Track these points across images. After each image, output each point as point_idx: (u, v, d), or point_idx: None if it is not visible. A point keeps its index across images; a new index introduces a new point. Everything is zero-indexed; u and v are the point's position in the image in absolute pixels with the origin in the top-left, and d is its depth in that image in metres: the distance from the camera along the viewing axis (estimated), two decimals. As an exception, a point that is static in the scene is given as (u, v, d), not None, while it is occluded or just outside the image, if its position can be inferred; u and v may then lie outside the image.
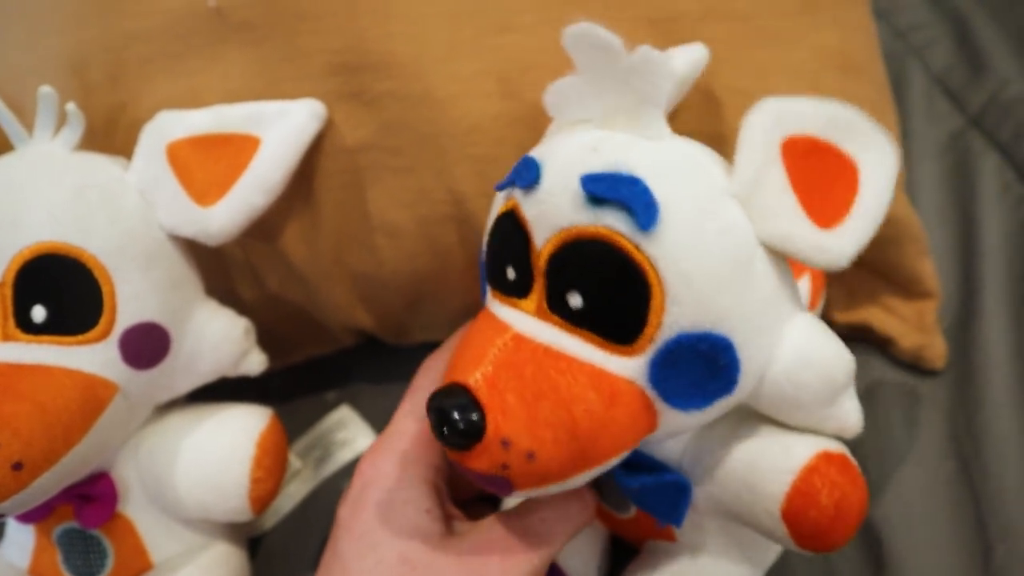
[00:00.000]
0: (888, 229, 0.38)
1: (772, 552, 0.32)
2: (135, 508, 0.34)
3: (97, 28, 0.37)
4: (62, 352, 0.30)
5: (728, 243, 0.24)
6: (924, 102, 0.52)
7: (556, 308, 0.24)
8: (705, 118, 0.36)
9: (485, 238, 0.28)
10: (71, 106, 0.33)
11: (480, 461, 0.23)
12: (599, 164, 0.24)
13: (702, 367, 0.24)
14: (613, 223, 0.23)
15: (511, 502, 0.34)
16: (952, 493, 0.37)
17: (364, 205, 0.37)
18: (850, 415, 0.26)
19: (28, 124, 0.34)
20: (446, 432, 0.23)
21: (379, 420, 0.44)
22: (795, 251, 0.24)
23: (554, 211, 0.24)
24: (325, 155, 0.37)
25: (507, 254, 0.26)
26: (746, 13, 0.37)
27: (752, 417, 0.27)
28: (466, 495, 0.33)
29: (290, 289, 0.40)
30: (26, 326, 0.30)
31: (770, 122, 0.24)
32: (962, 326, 0.42)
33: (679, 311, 0.23)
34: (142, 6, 0.37)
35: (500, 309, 0.26)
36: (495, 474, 0.23)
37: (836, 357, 0.25)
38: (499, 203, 0.28)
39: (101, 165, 0.33)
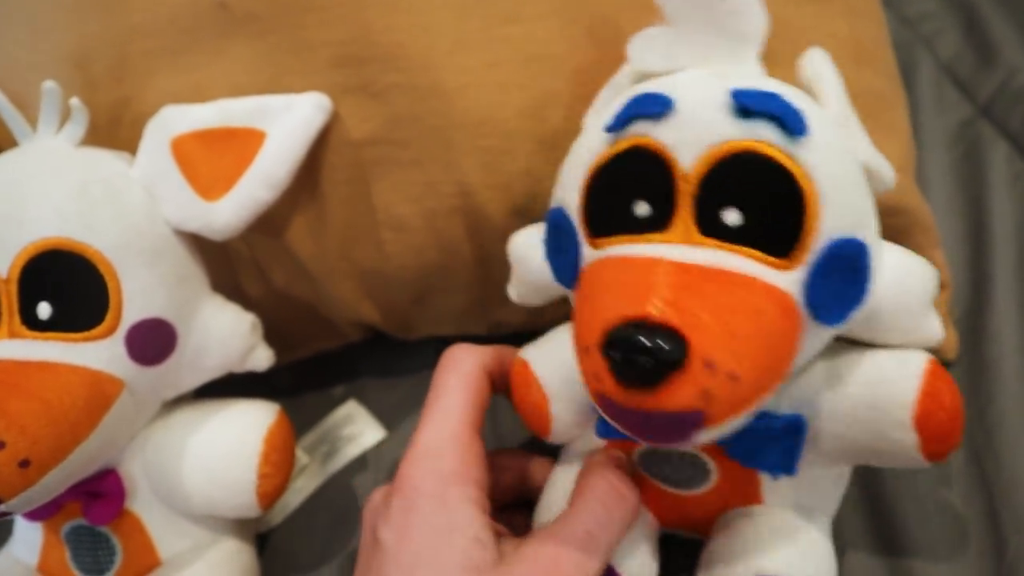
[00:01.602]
0: (899, 219, 0.37)
1: (838, 500, 0.32)
2: (143, 505, 0.34)
3: (100, 23, 0.37)
4: (68, 349, 0.30)
5: (850, 152, 0.25)
6: (933, 91, 0.52)
7: (709, 230, 0.24)
8: None
9: (579, 188, 0.27)
10: (75, 101, 0.32)
11: (679, 394, 0.21)
12: (737, 82, 0.25)
13: (846, 274, 0.24)
14: (766, 135, 0.24)
15: (554, 504, 0.32)
16: (964, 485, 0.37)
17: (371, 199, 0.37)
18: (936, 326, 0.27)
19: (32, 120, 0.33)
20: (644, 362, 0.21)
21: (386, 415, 0.44)
22: (876, 168, 0.26)
23: (703, 130, 0.24)
24: (331, 149, 0.36)
25: (636, 188, 0.25)
26: (756, 2, 0.36)
27: (845, 348, 0.28)
28: (498, 503, 0.32)
29: (296, 284, 0.40)
30: (32, 323, 0.30)
31: (825, 59, 0.28)
32: (973, 316, 0.42)
33: (830, 216, 0.24)
34: (146, 1, 0.36)
35: (632, 248, 0.25)
36: (692, 409, 0.21)
37: (926, 267, 0.27)
38: (594, 149, 0.27)
39: (105, 160, 0.33)
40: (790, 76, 0.35)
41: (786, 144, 0.24)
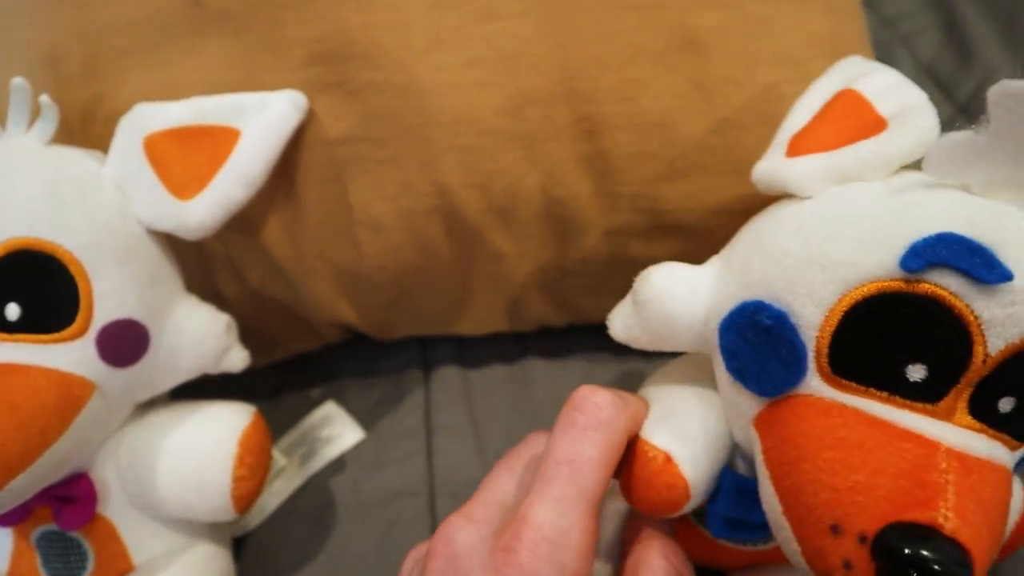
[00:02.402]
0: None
1: None
2: (115, 509, 0.34)
3: (72, 19, 0.36)
4: (37, 351, 0.29)
5: None
6: (912, 91, 0.52)
7: (980, 413, 0.22)
8: (697, 108, 0.35)
9: (832, 306, 0.23)
10: (44, 98, 0.32)
11: None
12: None
13: None
14: None
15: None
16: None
17: (347, 198, 0.36)
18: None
19: (0, 118, 0.33)
20: None
21: (365, 416, 0.44)
22: None
23: None
24: (307, 147, 0.36)
25: (920, 348, 0.22)
26: (733, 1, 0.36)
27: None
28: None
29: (272, 284, 0.40)
30: (0, 324, 0.29)
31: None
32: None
33: None
34: (118, -4, 0.36)
35: (895, 414, 0.22)
36: None
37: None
38: (865, 273, 0.22)
39: (76, 159, 0.32)
40: (770, 74, 0.35)
41: None
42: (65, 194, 0.31)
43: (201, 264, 0.39)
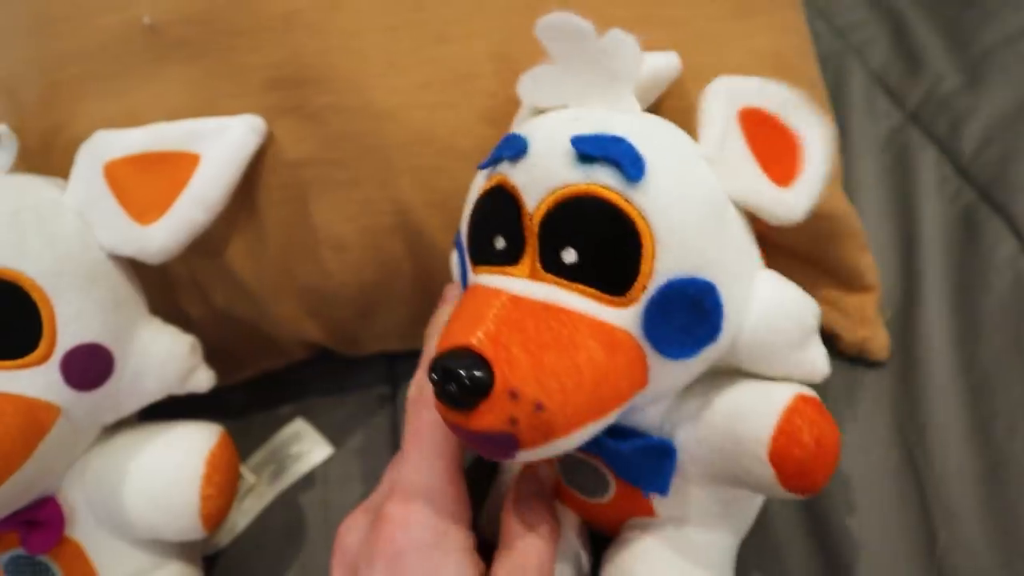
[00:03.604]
0: (827, 225, 0.38)
1: (749, 515, 0.33)
2: (84, 531, 0.34)
3: (29, 49, 0.37)
4: (1, 376, 0.30)
5: (705, 194, 0.26)
6: (864, 100, 0.53)
7: (550, 267, 0.25)
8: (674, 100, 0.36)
9: (466, 218, 0.29)
10: (2, 128, 0.32)
11: (487, 418, 0.23)
12: (584, 129, 0.26)
13: (690, 312, 0.25)
14: (603, 179, 0.25)
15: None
16: (898, 482, 0.38)
17: (309, 219, 0.37)
18: (818, 359, 0.28)
19: (-40, 148, 0.33)
20: (453, 390, 0.23)
21: (334, 432, 0.44)
22: (758, 205, 0.27)
23: (546, 173, 0.25)
24: (267, 170, 0.36)
25: (495, 224, 0.27)
26: (681, 18, 0.37)
27: (726, 376, 0.28)
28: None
29: (237, 305, 0.40)
30: (-37, 352, 0.30)
31: (726, 94, 0.28)
32: (904, 317, 0.43)
33: (668, 258, 0.24)
34: (76, 25, 0.36)
35: (489, 279, 0.27)
36: (502, 431, 0.23)
37: (804, 301, 0.27)
38: (479, 183, 0.29)
39: (36, 186, 0.33)
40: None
41: (623, 187, 0.25)
42: (26, 222, 0.31)
43: (165, 286, 0.39)
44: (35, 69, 0.37)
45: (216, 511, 0.34)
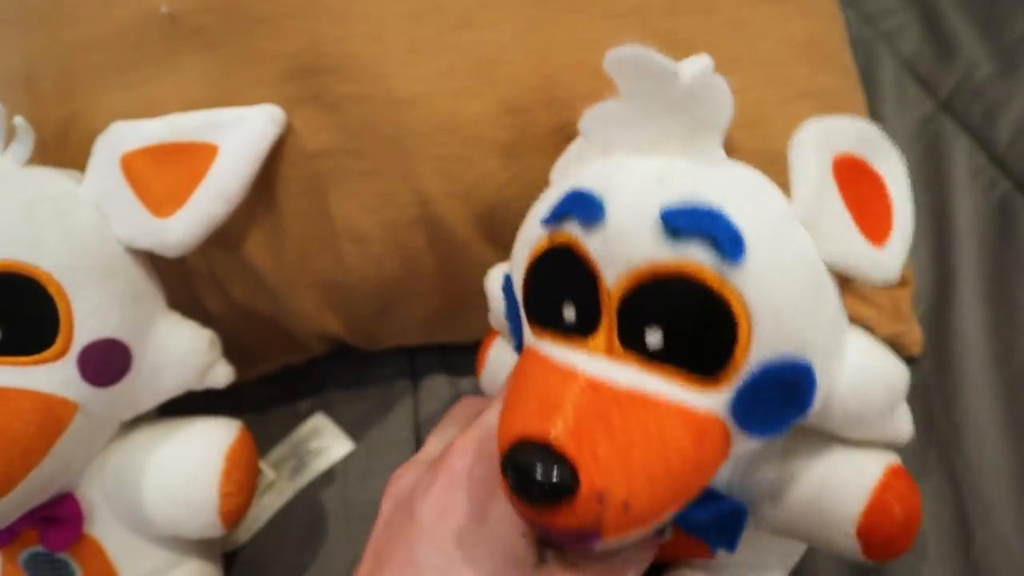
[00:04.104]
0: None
1: (798, 554, 0.32)
2: (103, 528, 0.34)
3: (46, 38, 0.36)
4: (18, 373, 0.29)
5: (804, 267, 0.23)
6: (894, 88, 0.52)
7: (631, 346, 0.23)
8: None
9: (519, 269, 0.26)
10: (19, 120, 0.32)
11: (571, 517, 0.22)
12: (672, 196, 0.23)
13: (783, 394, 0.23)
14: (696, 256, 0.22)
15: None
16: (933, 480, 0.37)
17: (328, 211, 0.36)
18: (903, 423, 0.27)
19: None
20: (531, 491, 0.21)
21: (354, 426, 0.43)
22: (856, 271, 0.24)
23: (628, 248, 0.23)
24: (286, 161, 0.36)
25: (565, 291, 0.24)
26: (711, 5, 0.36)
27: (807, 434, 0.27)
28: None
29: (257, 298, 0.40)
30: (-20, 348, 0.29)
31: (819, 142, 0.24)
32: (938, 311, 0.42)
33: (765, 340, 0.22)
34: (92, 14, 0.36)
35: (557, 351, 0.24)
36: (583, 528, 0.22)
37: (895, 368, 0.25)
38: (536, 234, 0.26)
39: (52, 179, 0.32)
40: (748, 79, 0.35)
41: (719, 266, 0.22)
42: (42, 215, 0.30)
43: (184, 280, 0.39)
44: (51, 59, 0.36)
45: (235, 508, 0.34)
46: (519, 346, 0.27)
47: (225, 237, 0.36)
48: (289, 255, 0.37)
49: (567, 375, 0.23)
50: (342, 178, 0.36)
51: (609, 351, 0.23)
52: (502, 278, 0.29)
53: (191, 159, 0.33)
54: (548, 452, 0.21)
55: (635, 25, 0.35)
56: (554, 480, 0.21)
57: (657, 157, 0.24)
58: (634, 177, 0.24)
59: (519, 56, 0.35)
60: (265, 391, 0.45)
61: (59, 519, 0.32)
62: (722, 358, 0.22)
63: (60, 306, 0.30)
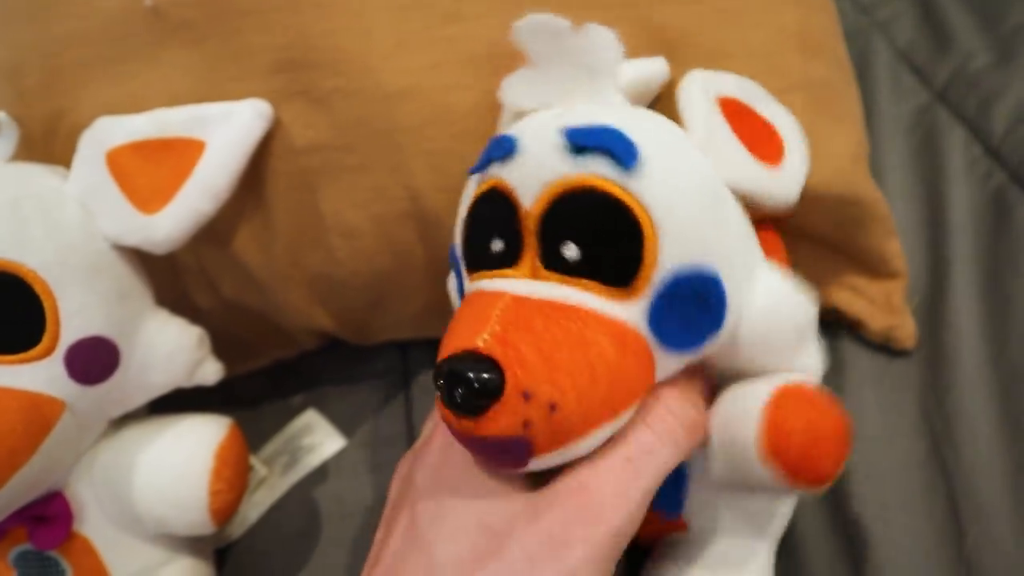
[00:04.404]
0: (854, 210, 0.37)
1: (779, 520, 0.32)
2: (92, 526, 0.34)
3: (30, 33, 0.36)
4: (4, 371, 0.29)
5: (702, 181, 0.25)
6: (889, 78, 0.51)
7: (552, 264, 0.24)
8: (670, 104, 0.35)
9: (460, 223, 0.28)
10: (2, 116, 0.32)
11: (499, 422, 0.22)
12: (573, 121, 0.25)
13: (694, 303, 0.24)
14: (598, 169, 0.24)
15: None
16: (925, 474, 0.37)
17: (318, 206, 0.36)
18: (813, 356, 0.28)
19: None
20: (461, 394, 0.22)
21: (346, 422, 0.43)
22: (755, 189, 0.27)
23: (539, 168, 0.25)
24: (275, 156, 0.35)
25: (492, 227, 0.26)
26: (702, -6, 0.36)
27: (725, 384, 0.28)
28: None
29: (246, 294, 0.39)
30: (-35, 346, 0.29)
31: (702, 84, 0.28)
32: (931, 305, 0.42)
33: (670, 247, 0.24)
34: (77, 8, 0.35)
35: (489, 283, 0.26)
36: (515, 435, 0.22)
37: (801, 300, 0.27)
38: (472, 188, 0.28)
39: (37, 175, 0.32)
40: (741, 69, 0.35)
41: (619, 177, 0.24)
42: (27, 212, 0.30)
43: (173, 276, 0.38)
44: (36, 53, 0.36)
45: (226, 505, 0.34)
46: (459, 292, 0.29)
47: (214, 233, 0.36)
48: (279, 250, 0.37)
49: (494, 296, 0.25)
50: (332, 173, 0.36)
51: (533, 273, 0.25)
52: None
53: (178, 155, 0.33)
54: (476, 357, 0.22)
55: (626, 16, 0.35)
56: (483, 377, 0.22)
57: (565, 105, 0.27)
58: (541, 116, 0.27)
59: (508, 48, 0.34)
60: (257, 387, 0.45)
61: (48, 517, 0.32)
62: (633, 266, 0.24)
63: (46, 304, 0.30)
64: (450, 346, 0.24)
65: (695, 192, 0.25)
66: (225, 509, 0.33)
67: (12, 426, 0.28)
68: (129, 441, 0.34)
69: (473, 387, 0.22)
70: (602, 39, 0.26)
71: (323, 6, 0.34)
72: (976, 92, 0.48)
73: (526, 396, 0.22)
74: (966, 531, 0.34)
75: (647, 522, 0.29)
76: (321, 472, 0.42)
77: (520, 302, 0.24)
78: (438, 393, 0.23)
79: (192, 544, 0.36)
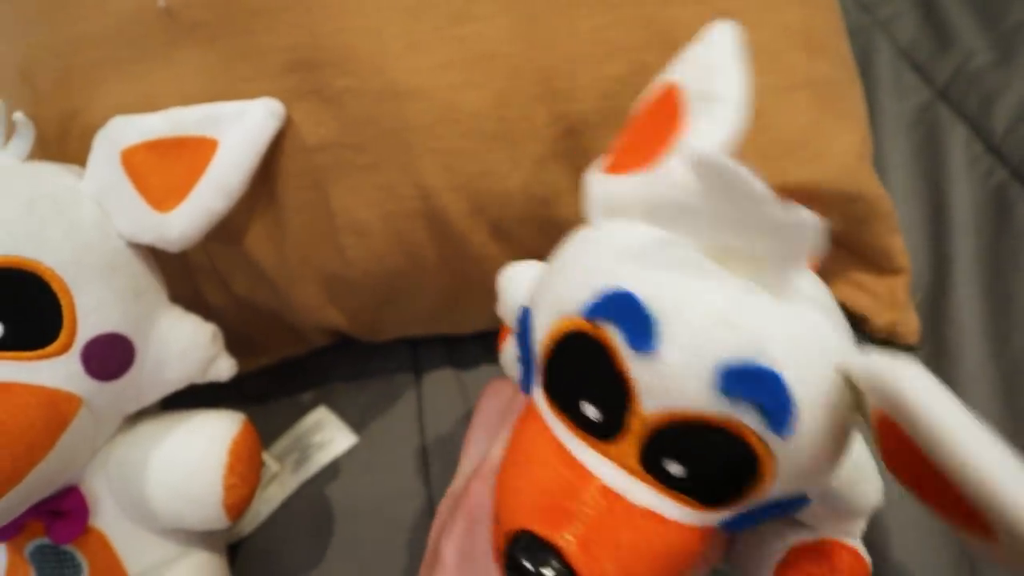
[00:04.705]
0: (857, 207, 0.38)
1: None
2: (108, 521, 0.34)
3: (45, 33, 0.36)
4: (22, 368, 0.29)
5: (835, 420, 0.21)
6: (891, 76, 0.52)
7: (651, 469, 0.22)
8: None
9: (543, 340, 0.23)
10: (19, 115, 0.32)
11: None
12: (735, 349, 0.20)
13: (775, 512, 0.23)
14: (745, 419, 0.20)
15: None
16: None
17: (329, 204, 0.36)
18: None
19: (-23, 135, 0.33)
20: None
21: (357, 419, 0.44)
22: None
23: (677, 390, 0.21)
24: (286, 155, 0.36)
25: (593, 393, 0.22)
26: (705, -7, 0.36)
27: None
28: None
29: (259, 292, 0.40)
30: (-16, 342, 0.29)
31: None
32: (935, 300, 0.42)
33: (779, 485, 0.22)
34: (90, 10, 0.36)
35: (572, 442, 0.23)
36: None
37: (874, 481, 0.26)
38: (570, 300, 0.23)
39: (53, 174, 0.32)
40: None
41: (763, 432, 0.20)
42: (44, 211, 0.31)
43: (186, 274, 0.39)
44: (51, 54, 0.36)
45: (239, 500, 0.34)
46: (526, 388, 0.26)
47: (226, 231, 0.36)
48: (290, 249, 0.38)
49: (582, 475, 0.22)
50: (342, 172, 0.36)
51: (629, 464, 0.22)
52: (519, 310, 0.26)
53: (191, 153, 0.33)
54: (554, 555, 0.21)
55: (632, 16, 0.36)
56: None
57: (726, 280, 0.22)
58: (698, 307, 0.21)
59: (517, 48, 0.35)
60: (268, 384, 0.45)
61: (65, 512, 0.33)
62: (736, 494, 0.22)
63: (63, 301, 0.30)
64: (522, 516, 0.22)
65: (826, 441, 0.21)
66: (239, 504, 0.34)
67: (31, 422, 0.29)
68: (144, 437, 0.34)
69: None
70: (810, 230, 0.19)
71: (334, 6, 0.35)
72: (977, 90, 0.49)
73: None
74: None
75: None
76: (332, 469, 0.42)
77: (610, 501, 0.22)
78: (504, 569, 0.22)
79: (205, 539, 0.37)
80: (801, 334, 0.21)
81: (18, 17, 0.37)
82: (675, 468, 0.21)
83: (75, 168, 0.34)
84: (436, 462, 0.42)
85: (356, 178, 0.36)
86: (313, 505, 0.41)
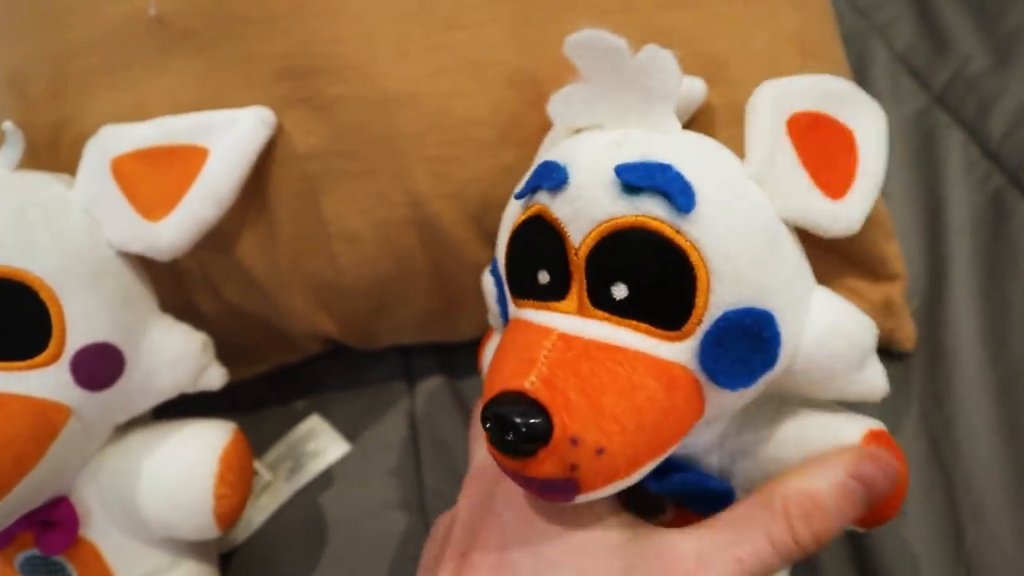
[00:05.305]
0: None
1: None
2: (98, 531, 0.34)
3: (35, 41, 0.36)
4: (10, 378, 0.29)
5: (757, 219, 0.25)
6: (888, 81, 0.52)
7: (599, 302, 0.24)
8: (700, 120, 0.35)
9: (502, 247, 0.28)
10: (8, 125, 0.32)
11: (547, 465, 0.22)
12: (627, 157, 0.24)
13: (747, 342, 0.24)
14: (651, 209, 0.23)
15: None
16: (924, 475, 0.37)
17: (320, 212, 0.36)
18: (875, 378, 0.27)
19: (-33, 144, 0.33)
20: (510, 439, 0.22)
21: (350, 427, 0.44)
22: (812, 223, 0.26)
23: (589, 206, 0.24)
24: (277, 163, 0.36)
25: (538, 258, 0.26)
26: (701, 0, 0.36)
27: (784, 406, 0.28)
28: None
29: (250, 300, 0.40)
30: (-28, 353, 0.29)
31: (773, 103, 0.26)
32: (931, 307, 0.42)
33: (723, 289, 0.23)
34: (81, 17, 0.36)
35: (535, 315, 0.25)
36: (562, 477, 0.23)
37: (861, 322, 0.26)
38: (515, 212, 0.27)
39: (43, 183, 0.32)
40: (739, 74, 0.35)
41: (673, 218, 0.23)
42: (33, 220, 0.30)
43: (177, 282, 0.39)
44: (42, 62, 0.36)
45: (230, 510, 0.34)
46: (504, 319, 0.28)
47: (217, 239, 0.36)
48: (282, 256, 0.37)
49: (541, 332, 0.24)
50: (334, 179, 0.36)
51: (580, 310, 0.24)
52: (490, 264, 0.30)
53: (182, 162, 0.33)
54: (523, 400, 0.22)
55: (626, 21, 0.35)
56: (530, 423, 0.22)
57: (616, 129, 0.26)
58: (593, 144, 0.26)
59: (509, 55, 0.35)
60: (261, 392, 0.45)
61: (55, 522, 0.32)
62: (684, 308, 0.24)
63: (52, 311, 0.30)
64: (497, 384, 0.23)
65: (751, 233, 0.24)
66: (230, 513, 0.34)
67: (19, 432, 0.29)
68: (134, 446, 0.34)
69: (521, 432, 0.22)
70: (663, 62, 0.25)
71: (326, 14, 0.34)
72: (974, 95, 0.49)
73: (573, 441, 0.22)
74: (966, 531, 0.35)
75: (676, 525, 0.29)
76: (325, 477, 0.42)
77: (568, 341, 0.24)
78: (487, 432, 0.23)
79: (197, 548, 0.37)
80: (685, 141, 0.26)
81: (8, 25, 0.36)
82: (619, 291, 0.24)
83: (65, 177, 0.33)
84: (429, 471, 0.41)
85: (348, 186, 0.36)
86: (306, 514, 0.41)
